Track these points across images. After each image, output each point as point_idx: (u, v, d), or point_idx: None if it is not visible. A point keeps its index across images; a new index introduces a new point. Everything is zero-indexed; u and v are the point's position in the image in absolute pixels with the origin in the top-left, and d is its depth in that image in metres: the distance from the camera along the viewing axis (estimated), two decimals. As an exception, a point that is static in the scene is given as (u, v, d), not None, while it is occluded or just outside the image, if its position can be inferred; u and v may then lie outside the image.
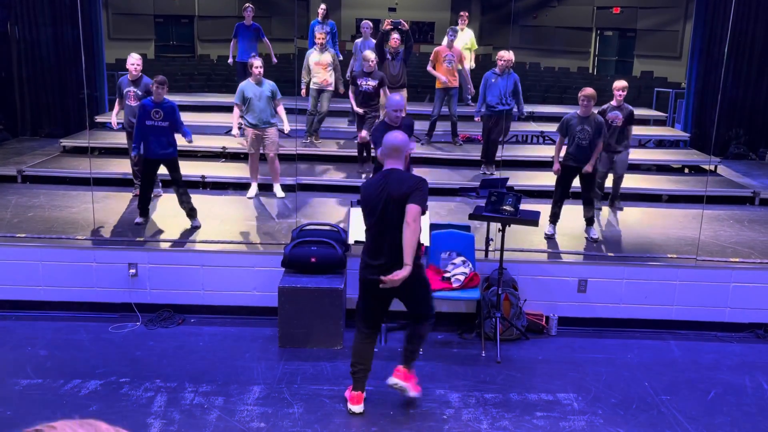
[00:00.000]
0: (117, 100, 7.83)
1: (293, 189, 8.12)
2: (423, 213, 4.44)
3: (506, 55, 8.70)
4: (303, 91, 9.62)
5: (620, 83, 7.68)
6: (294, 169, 8.38)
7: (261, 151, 8.07)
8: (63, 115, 10.94)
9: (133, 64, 7.57)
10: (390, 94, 7.22)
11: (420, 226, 4.44)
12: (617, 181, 8.02)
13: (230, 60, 10.56)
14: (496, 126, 8.80)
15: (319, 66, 9.36)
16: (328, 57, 9.47)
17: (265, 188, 8.44)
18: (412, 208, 4.32)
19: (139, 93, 7.60)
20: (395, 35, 9.27)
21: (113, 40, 16.23)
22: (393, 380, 4.73)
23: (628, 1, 18.67)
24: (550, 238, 6.96)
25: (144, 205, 7.03)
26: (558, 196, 7.02)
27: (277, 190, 8.22)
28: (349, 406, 4.76)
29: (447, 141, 10.28)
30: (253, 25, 10.30)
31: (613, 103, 7.66)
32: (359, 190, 4.75)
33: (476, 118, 9.11)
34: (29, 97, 10.94)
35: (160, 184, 8.01)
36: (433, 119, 9.93)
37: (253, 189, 8.21)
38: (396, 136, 4.61)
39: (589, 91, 6.73)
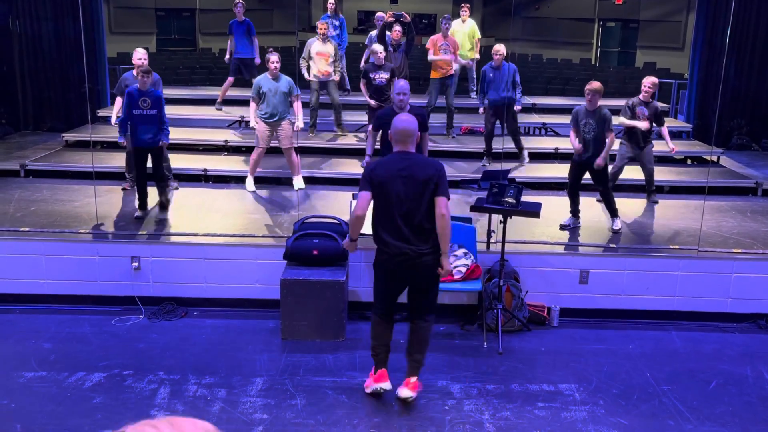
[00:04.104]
0: (119, 96, 7.78)
1: (307, 181, 8.12)
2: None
3: (501, 49, 8.75)
4: (310, 78, 9.48)
5: (648, 79, 7.63)
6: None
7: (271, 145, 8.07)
8: (65, 109, 10.94)
9: (140, 59, 7.58)
10: (395, 80, 7.23)
11: (450, 214, 4.50)
12: (649, 174, 7.99)
13: (227, 57, 10.55)
14: (498, 118, 8.82)
15: (321, 56, 9.32)
16: (330, 48, 9.43)
17: (266, 181, 8.44)
18: (442, 201, 4.42)
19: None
20: (397, 27, 9.26)
21: (114, 34, 16.21)
22: (406, 393, 4.69)
23: (631, -8, 18.59)
24: (564, 228, 6.97)
25: (142, 197, 7.04)
26: (571, 190, 7.03)
27: (298, 182, 8.19)
28: (377, 385, 4.74)
29: (440, 133, 10.21)
30: (245, 21, 10.30)
31: (641, 97, 7.60)
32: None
33: (480, 110, 9.16)
34: (31, 92, 10.94)
35: (172, 178, 8.05)
36: (428, 109, 9.89)
37: (252, 182, 8.19)
38: (405, 120, 4.57)
39: (595, 84, 6.71)
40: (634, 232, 7.13)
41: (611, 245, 6.70)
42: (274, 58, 7.81)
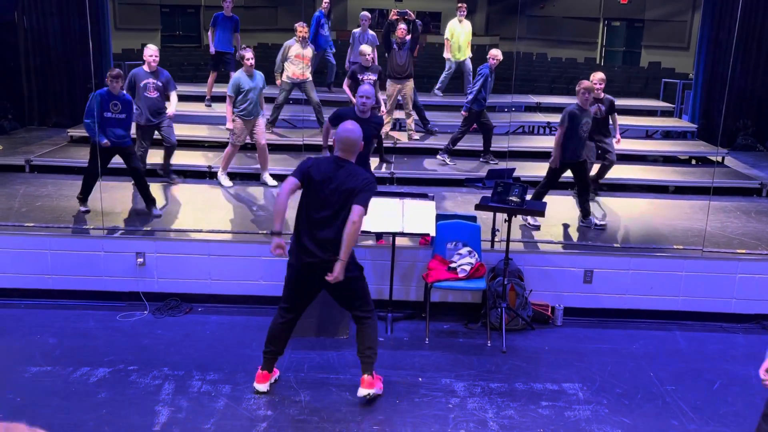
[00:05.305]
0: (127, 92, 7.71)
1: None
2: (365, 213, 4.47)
3: (499, 55, 8.80)
4: (278, 81, 9.53)
5: (598, 75, 7.62)
6: (300, 160, 8.38)
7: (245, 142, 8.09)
8: (70, 104, 10.96)
9: (151, 56, 7.53)
10: (361, 85, 7.19)
11: (362, 225, 4.48)
12: (607, 168, 8.01)
13: (212, 50, 10.58)
14: (480, 119, 8.98)
15: (299, 60, 9.28)
16: (309, 52, 9.44)
17: (252, 177, 8.43)
18: (357, 208, 4.37)
19: (159, 84, 7.59)
20: (402, 25, 9.26)
21: (119, 30, 16.23)
22: (363, 392, 4.68)
23: (636, -9, 18.58)
24: (536, 229, 7.00)
25: (87, 192, 7.00)
26: (546, 189, 7.03)
27: (269, 178, 8.25)
28: (254, 384, 4.83)
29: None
30: (233, 17, 10.32)
31: (593, 96, 7.64)
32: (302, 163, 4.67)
33: (463, 112, 8.89)
34: (37, 87, 10.97)
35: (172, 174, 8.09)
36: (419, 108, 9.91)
37: (227, 177, 8.23)
38: (350, 130, 4.54)
39: (588, 83, 6.83)
40: (639, 232, 7.13)
41: (615, 245, 6.70)
42: (249, 55, 7.79)
